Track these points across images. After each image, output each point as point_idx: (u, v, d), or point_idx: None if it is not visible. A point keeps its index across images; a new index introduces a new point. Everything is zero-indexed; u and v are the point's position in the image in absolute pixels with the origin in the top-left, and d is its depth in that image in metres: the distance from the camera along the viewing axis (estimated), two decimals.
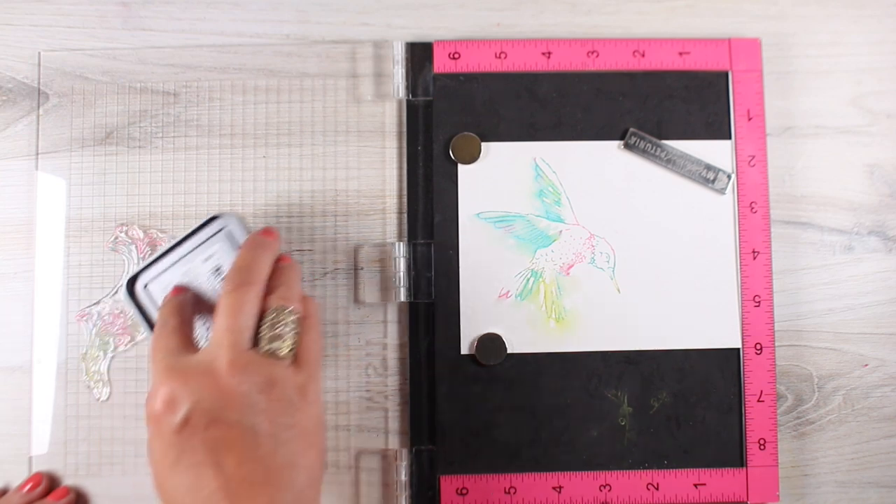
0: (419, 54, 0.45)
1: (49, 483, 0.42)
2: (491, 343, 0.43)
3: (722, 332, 0.44)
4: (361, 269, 0.44)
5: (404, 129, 0.45)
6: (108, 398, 0.43)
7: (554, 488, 0.43)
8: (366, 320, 0.44)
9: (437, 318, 0.43)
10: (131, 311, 0.38)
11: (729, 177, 0.44)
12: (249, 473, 0.31)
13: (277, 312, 0.34)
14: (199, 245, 0.38)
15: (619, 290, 0.44)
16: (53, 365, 0.43)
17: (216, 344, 0.33)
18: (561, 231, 0.44)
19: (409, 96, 0.45)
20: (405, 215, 0.44)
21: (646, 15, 0.46)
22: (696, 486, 0.43)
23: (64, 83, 0.45)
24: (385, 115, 0.45)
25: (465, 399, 0.43)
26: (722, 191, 0.44)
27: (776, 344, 0.44)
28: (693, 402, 0.44)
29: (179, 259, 0.38)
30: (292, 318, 0.35)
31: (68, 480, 0.43)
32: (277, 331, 0.34)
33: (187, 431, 0.32)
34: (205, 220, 0.38)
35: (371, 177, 0.45)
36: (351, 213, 0.44)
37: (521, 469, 0.43)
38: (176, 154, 0.44)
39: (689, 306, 0.44)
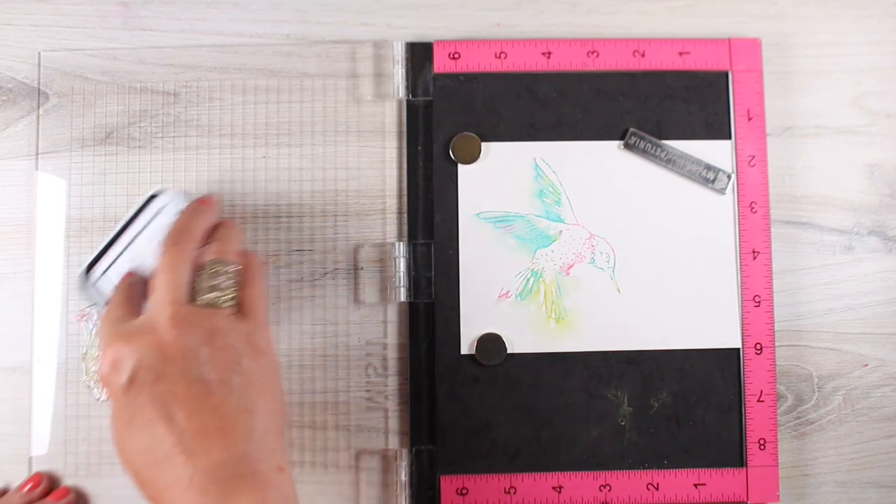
0: (419, 54, 0.45)
1: (49, 483, 0.42)
2: (491, 343, 0.43)
3: (722, 332, 0.44)
4: (361, 269, 0.44)
5: (404, 129, 0.45)
6: (108, 398, 0.43)
7: (554, 488, 0.43)
8: (366, 320, 0.44)
9: (437, 318, 0.43)
10: (88, 303, 0.38)
11: (729, 177, 0.44)
12: (203, 424, 0.31)
13: (213, 264, 0.35)
14: (144, 227, 0.38)
15: (619, 290, 0.44)
16: (53, 365, 0.43)
17: (156, 302, 0.33)
18: (561, 231, 0.44)
19: (409, 96, 0.45)
20: (405, 215, 0.44)
21: (646, 15, 0.46)
22: (696, 486, 0.43)
23: (64, 83, 0.45)
24: (385, 115, 0.45)
25: (465, 399, 0.43)
26: (722, 191, 0.44)
27: (776, 344, 0.44)
28: (693, 402, 0.44)
29: (127, 245, 0.38)
30: (229, 269, 0.35)
31: (68, 480, 0.43)
32: (215, 282, 0.34)
33: (134, 390, 0.32)
34: (144, 199, 0.38)
35: (371, 177, 0.45)
36: (351, 213, 0.44)
37: (521, 469, 0.43)
38: (176, 154, 0.44)
39: (689, 306, 0.44)
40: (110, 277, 0.38)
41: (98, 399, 0.43)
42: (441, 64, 0.45)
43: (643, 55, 0.45)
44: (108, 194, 0.44)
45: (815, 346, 0.45)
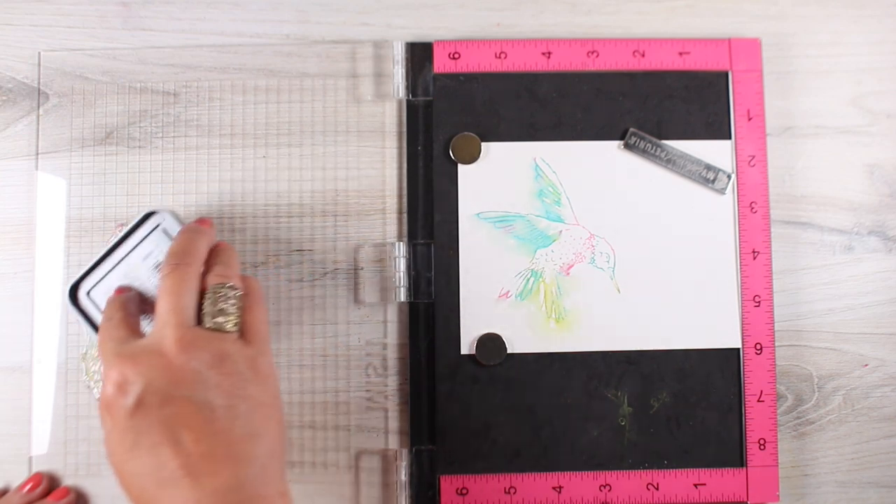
0: (419, 54, 0.45)
1: (49, 483, 0.42)
2: (491, 343, 0.43)
3: (722, 332, 0.44)
4: (361, 269, 0.44)
5: (404, 129, 0.45)
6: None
7: (554, 488, 0.43)
8: (366, 320, 0.44)
9: (437, 318, 0.43)
10: (77, 318, 0.38)
11: (729, 177, 0.44)
12: (209, 448, 0.31)
13: (218, 289, 0.35)
14: (137, 245, 0.38)
15: (619, 290, 0.44)
16: (53, 365, 0.43)
17: (161, 325, 0.33)
18: (561, 231, 0.44)
19: (409, 96, 0.45)
20: (405, 215, 0.44)
21: (646, 15, 0.46)
22: (696, 486, 0.43)
23: (64, 83, 0.45)
24: (385, 115, 0.45)
25: (465, 399, 0.43)
26: (722, 191, 0.44)
27: (776, 344, 0.44)
28: (693, 402, 0.44)
29: (119, 261, 0.38)
30: (234, 293, 0.35)
31: (68, 480, 0.43)
32: (220, 306, 0.34)
33: (141, 413, 0.31)
34: (139, 217, 0.38)
35: (371, 177, 0.45)
36: (351, 213, 0.44)
37: (521, 469, 0.43)
38: (176, 154, 0.44)
39: (689, 306, 0.44)
40: (102, 292, 0.38)
41: (98, 399, 0.43)
42: (441, 64, 0.45)
43: (643, 55, 0.45)
44: (108, 194, 0.44)
45: (815, 346, 0.45)
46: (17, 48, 0.45)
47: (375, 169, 0.45)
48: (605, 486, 0.43)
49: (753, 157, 0.45)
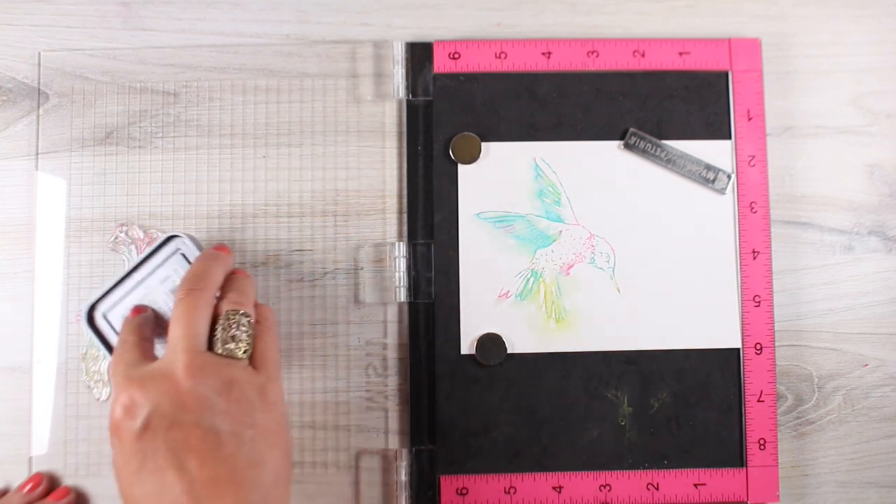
0: (419, 54, 0.45)
1: (49, 483, 0.42)
2: (491, 343, 0.43)
3: (722, 332, 0.44)
4: (361, 269, 0.44)
5: (404, 129, 0.45)
6: (107, 398, 0.43)
7: (554, 488, 0.43)
8: (366, 320, 0.44)
9: (437, 318, 0.43)
10: (92, 339, 0.38)
11: (729, 177, 0.44)
12: (214, 474, 0.31)
13: (230, 315, 0.35)
14: (156, 268, 0.39)
15: (619, 290, 0.44)
16: (53, 365, 0.43)
17: (172, 349, 0.33)
18: (561, 231, 0.44)
19: (409, 96, 0.45)
20: (405, 215, 0.44)
21: (646, 15, 0.46)
22: (696, 486, 0.43)
23: (64, 83, 0.45)
24: (385, 115, 0.45)
25: (465, 399, 0.43)
26: (722, 191, 0.44)
27: (776, 344, 0.44)
28: (693, 402, 0.44)
29: (137, 284, 0.39)
30: (246, 320, 0.35)
31: (68, 480, 0.43)
32: (232, 333, 0.34)
33: (148, 436, 0.32)
34: (160, 241, 0.39)
35: (371, 177, 0.45)
36: (351, 213, 0.44)
37: (521, 469, 0.43)
38: (176, 154, 0.44)
39: (689, 306, 0.44)
40: (118, 314, 0.38)
41: (98, 399, 0.43)
42: (441, 64, 0.45)
43: (643, 55, 0.45)
44: (108, 194, 0.44)
45: (815, 346, 0.45)
46: (17, 48, 0.45)
47: (375, 169, 0.45)
48: (605, 486, 0.43)
49: (753, 157, 0.45)
